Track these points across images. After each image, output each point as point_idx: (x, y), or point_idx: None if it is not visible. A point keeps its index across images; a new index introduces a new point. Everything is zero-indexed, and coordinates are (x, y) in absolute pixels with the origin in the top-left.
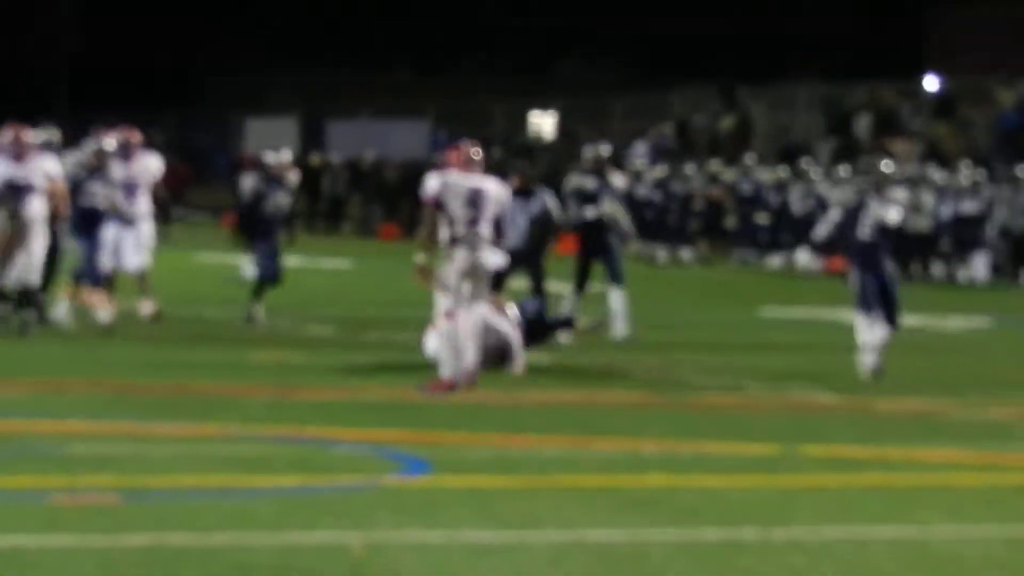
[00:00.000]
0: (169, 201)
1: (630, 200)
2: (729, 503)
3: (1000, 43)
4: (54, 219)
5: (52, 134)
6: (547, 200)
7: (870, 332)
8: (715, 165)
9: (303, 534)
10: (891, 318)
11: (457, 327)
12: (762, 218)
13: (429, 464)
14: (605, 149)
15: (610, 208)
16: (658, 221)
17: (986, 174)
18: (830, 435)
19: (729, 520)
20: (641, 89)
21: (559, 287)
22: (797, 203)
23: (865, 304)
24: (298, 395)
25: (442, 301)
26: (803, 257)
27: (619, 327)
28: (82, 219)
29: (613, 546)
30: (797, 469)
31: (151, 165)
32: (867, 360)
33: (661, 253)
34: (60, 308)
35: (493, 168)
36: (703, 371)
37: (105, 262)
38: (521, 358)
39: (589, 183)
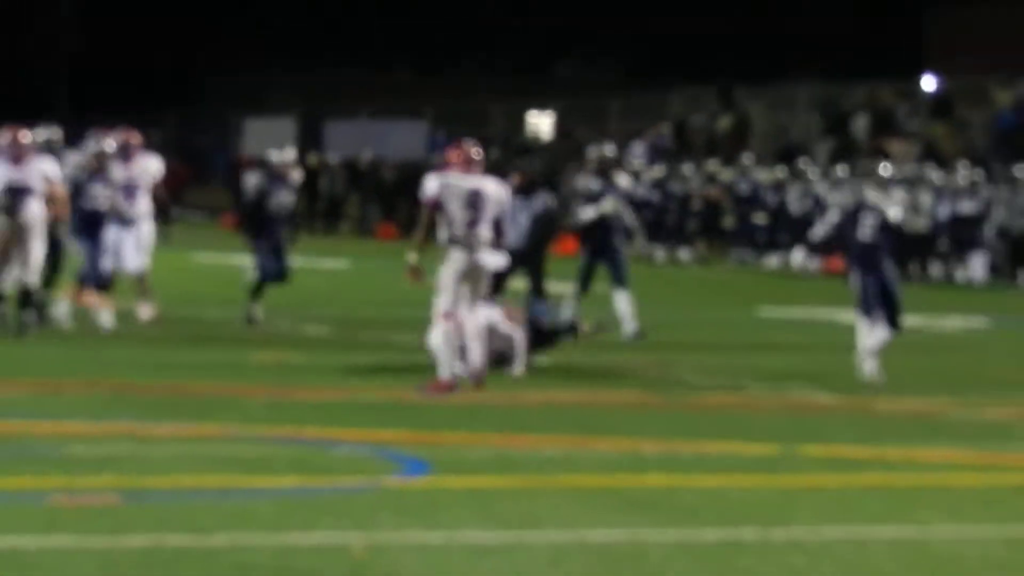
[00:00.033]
0: (169, 202)
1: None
2: (729, 503)
3: (998, 43)
4: (54, 221)
5: (54, 133)
6: (548, 199)
7: (870, 335)
8: (713, 165)
9: (303, 535)
10: (893, 320)
11: (456, 328)
12: (760, 218)
13: (429, 464)
14: (610, 150)
15: (611, 207)
16: (656, 221)
17: (984, 174)
18: (829, 435)
19: (729, 520)
20: (639, 89)
21: (559, 288)
22: (795, 203)
23: (866, 306)
24: (297, 395)
25: (440, 302)
26: (798, 257)
27: (627, 326)
28: (84, 221)
29: (613, 546)
30: (797, 469)
31: (151, 166)
32: (867, 365)
33: (659, 253)
34: (61, 307)
35: (492, 168)
36: (702, 371)
37: (106, 264)
38: (522, 362)
39: (594, 184)
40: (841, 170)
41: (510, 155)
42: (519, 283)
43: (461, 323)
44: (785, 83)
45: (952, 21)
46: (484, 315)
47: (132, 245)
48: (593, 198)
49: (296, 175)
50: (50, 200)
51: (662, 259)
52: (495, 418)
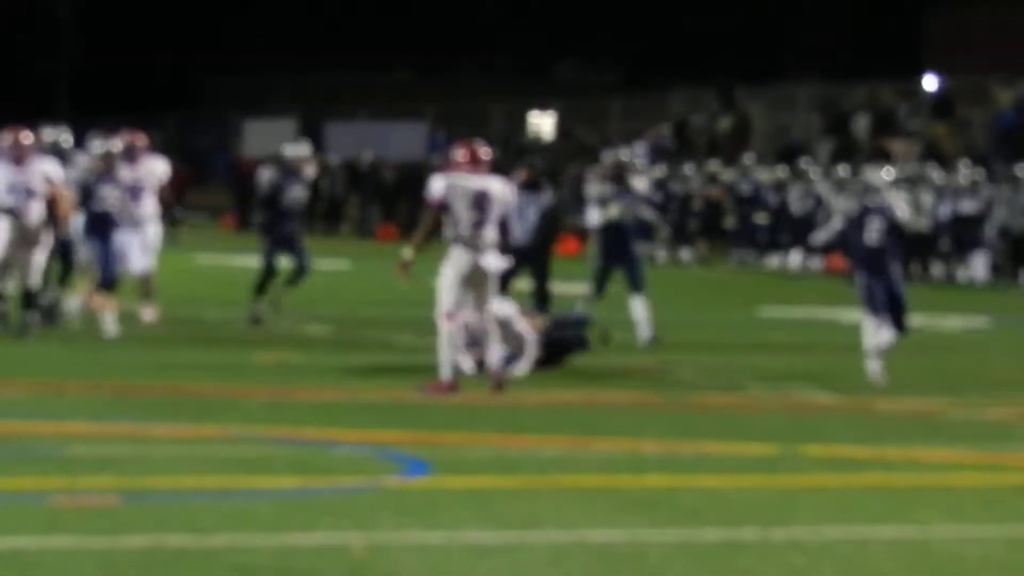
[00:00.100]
0: (175, 204)
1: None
2: (729, 503)
3: (998, 43)
4: (55, 222)
5: (62, 134)
6: (554, 195)
7: (876, 337)
8: (714, 165)
9: (303, 535)
10: (899, 323)
11: (457, 329)
12: (761, 218)
13: (429, 465)
14: (624, 154)
15: (616, 212)
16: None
17: (985, 174)
18: (830, 435)
19: (729, 520)
20: (639, 89)
21: (562, 289)
22: (796, 203)
23: (873, 308)
24: (297, 396)
25: (442, 302)
26: (795, 258)
27: (642, 332)
28: (94, 222)
29: (613, 546)
30: (797, 469)
31: (157, 168)
32: (874, 366)
33: (660, 253)
34: (72, 302)
35: (492, 169)
36: (703, 371)
37: (115, 266)
38: (527, 363)
39: (609, 189)
40: (842, 170)
41: (511, 155)
42: (522, 283)
43: (462, 324)
44: (785, 83)
45: (952, 21)
46: (498, 308)
47: (138, 247)
48: (605, 203)
49: (310, 170)
50: (52, 201)
51: (663, 259)
52: (495, 418)
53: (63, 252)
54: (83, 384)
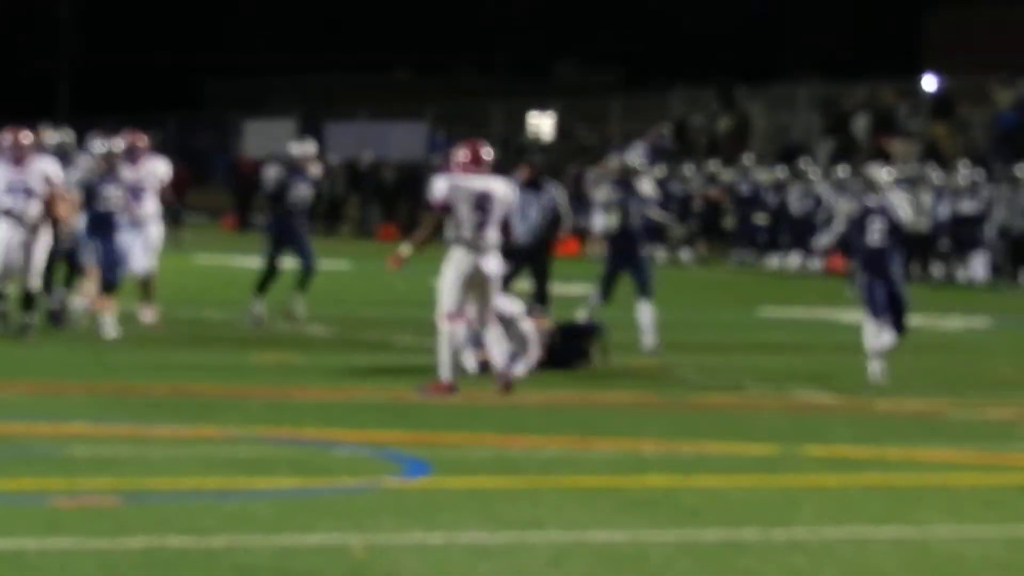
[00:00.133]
0: (177, 204)
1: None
2: (730, 503)
3: (998, 43)
4: (55, 222)
5: (65, 136)
6: (556, 194)
7: (877, 338)
8: (713, 165)
9: (303, 536)
10: (899, 325)
11: (458, 330)
12: (761, 218)
13: (429, 465)
14: (631, 157)
15: (614, 221)
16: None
17: (985, 174)
18: (830, 435)
19: (730, 520)
20: (639, 89)
21: (562, 290)
22: (796, 203)
23: (874, 310)
24: (297, 396)
25: (442, 302)
26: (795, 260)
27: (646, 339)
28: (96, 223)
29: (613, 546)
30: (797, 469)
31: (158, 169)
32: (876, 367)
33: (660, 254)
34: (79, 303)
35: (492, 169)
36: (703, 371)
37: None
38: (528, 364)
39: (615, 194)
40: (842, 170)
41: (510, 156)
42: (522, 283)
43: (465, 323)
44: (785, 83)
45: (952, 21)
46: (505, 305)
47: (139, 247)
48: (611, 207)
49: (315, 169)
50: (51, 201)
51: (663, 260)
52: (495, 418)
53: (69, 254)
54: (83, 385)
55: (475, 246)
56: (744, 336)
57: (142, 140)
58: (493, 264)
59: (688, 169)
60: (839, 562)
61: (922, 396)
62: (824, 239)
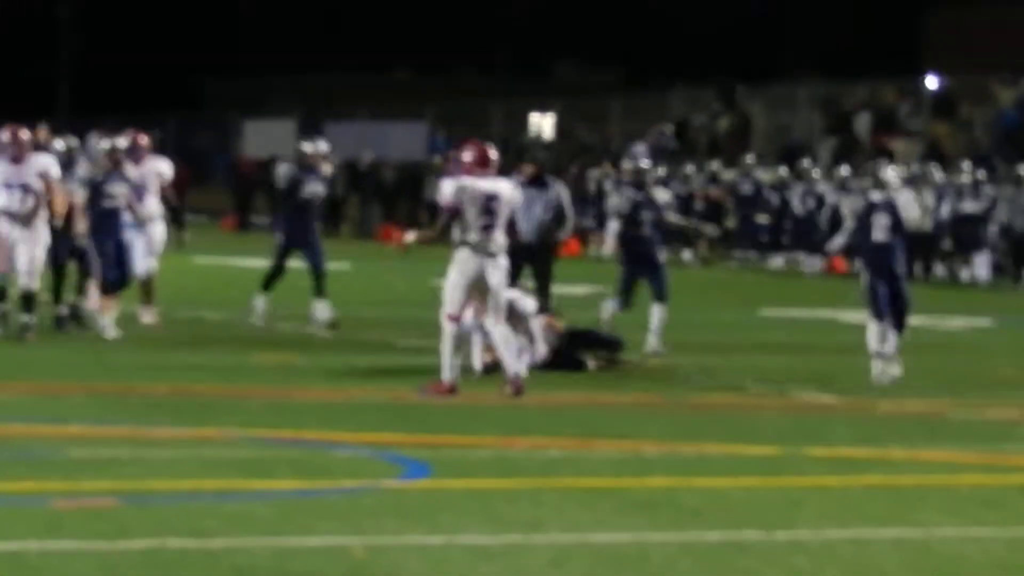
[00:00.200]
0: (181, 205)
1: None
2: (731, 504)
3: (999, 43)
4: (66, 224)
5: (71, 142)
6: (561, 193)
7: (879, 341)
8: (714, 165)
9: (303, 537)
10: (899, 324)
11: (461, 331)
12: (762, 218)
13: (430, 466)
14: (645, 162)
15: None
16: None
17: (987, 173)
18: (832, 436)
19: (731, 521)
20: (640, 89)
21: (563, 290)
22: (797, 203)
23: (876, 311)
24: (298, 397)
25: (447, 303)
26: (811, 263)
27: (651, 341)
28: (100, 221)
29: (615, 547)
30: (799, 470)
31: (160, 168)
32: (879, 368)
33: (686, 255)
34: (91, 305)
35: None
36: (704, 372)
37: (111, 269)
38: (524, 364)
39: (627, 200)
40: (844, 169)
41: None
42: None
43: (476, 324)
44: (786, 83)
45: (952, 21)
46: (519, 301)
47: (141, 248)
48: (624, 215)
49: (327, 167)
50: (50, 199)
51: (664, 260)
52: (496, 420)
53: (79, 256)
54: (83, 385)
55: (482, 248)
56: (745, 336)
57: (144, 139)
58: (499, 272)
59: (689, 169)
60: (840, 563)
61: (924, 397)
62: (838, 239)
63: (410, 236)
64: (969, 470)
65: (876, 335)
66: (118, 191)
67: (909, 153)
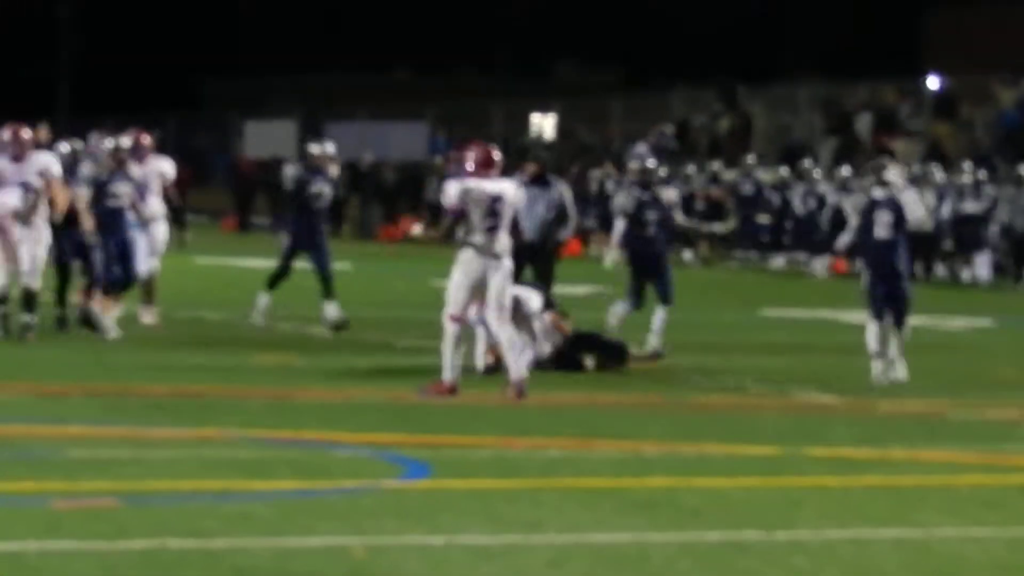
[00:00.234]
0: (183, 205)
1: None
2: (731, 504)
3: (999, 43)
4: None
5: (75, 144)
6: (563, 192)
7: (878, 341)
8: (715, 165)
9: (303, 537)
10: (900, 321)
11: (462, 331)
12: (763, 218)
13: (430, 467)
14: (651, 162)
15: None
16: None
17: (988, 174)
18: (832, 436)
19: (731, 521)
20: (640, 89)
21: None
22: (798, 203)
23: (876, 311)
24: (298, 397)
25: (449, 303)
26: (820, 265)
27: (652, 340)
28: (104, 220)
29: (615, 547)
30: (799, 470)
31: (162, 168)
32: (879, 368)
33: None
34: (98, 306)
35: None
36: (704, 372)
37: (115, 268)
38: (529, 358)
39: (633, 201)
40: (845, 170)
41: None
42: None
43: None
44: (787, 83)
45: (952, 21)
46: (526, 299)
47: (143, 248)
48: (630, 216)
49: (334, 169)
50: (50, 196)
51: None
52: (496, 420)
53: (84, 258)
54: (83, 386)
55: (487, 250)
56: (746, 337)
57: (147, 139)
58: (502, 275)
59: (690, 169)
60: (840, 563)
61: (924, 397)
62: (844, 237)
63: (416, 228)
64: (969, 470)
65: (875, 335)
66: (122, 191)
67: (910, 153)
